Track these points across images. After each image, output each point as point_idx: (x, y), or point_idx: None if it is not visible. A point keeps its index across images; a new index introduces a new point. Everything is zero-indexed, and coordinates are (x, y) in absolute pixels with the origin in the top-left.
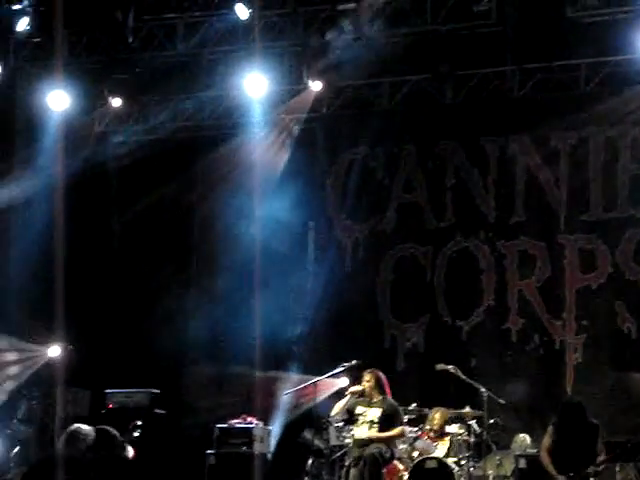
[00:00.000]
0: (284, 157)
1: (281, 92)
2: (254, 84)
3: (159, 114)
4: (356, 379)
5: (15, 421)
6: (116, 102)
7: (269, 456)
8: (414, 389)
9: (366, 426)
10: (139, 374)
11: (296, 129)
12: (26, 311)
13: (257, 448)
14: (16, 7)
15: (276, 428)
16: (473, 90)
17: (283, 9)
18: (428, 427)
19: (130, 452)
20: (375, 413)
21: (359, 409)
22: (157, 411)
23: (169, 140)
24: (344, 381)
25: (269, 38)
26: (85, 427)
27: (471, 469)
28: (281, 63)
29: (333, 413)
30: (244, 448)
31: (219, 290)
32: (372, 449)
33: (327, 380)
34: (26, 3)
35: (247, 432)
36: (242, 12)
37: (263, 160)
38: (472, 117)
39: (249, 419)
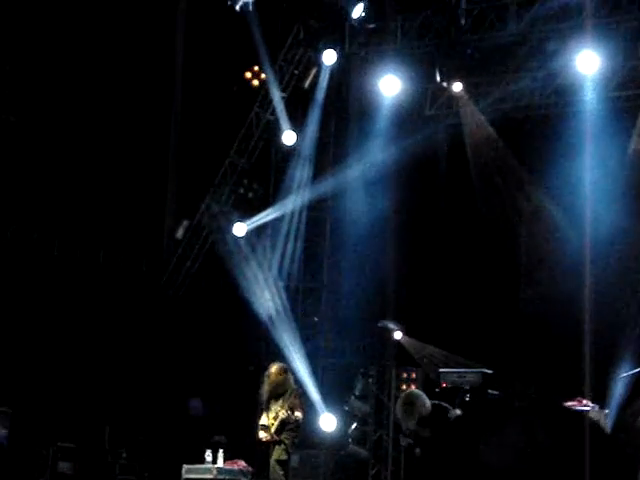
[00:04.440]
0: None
1: (615, 69)
2: (586, 61)
3: (490, 95)
4: None
5: (353, 398)
6: (456, 87)
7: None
8: None
9: None
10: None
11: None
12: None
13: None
14: None
15: (612, 411)
16: None
17: None
18: None
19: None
20: None
21: None
22: (490, 392)
23: (501, 121)
24: None
25: (602, 14)
26: (424, 396)
27: None
28: (615, 39)
29: None
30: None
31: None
32: None
33: None
34: None
35: (582, 415)
36: None
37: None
38: None
39: (585, 401)
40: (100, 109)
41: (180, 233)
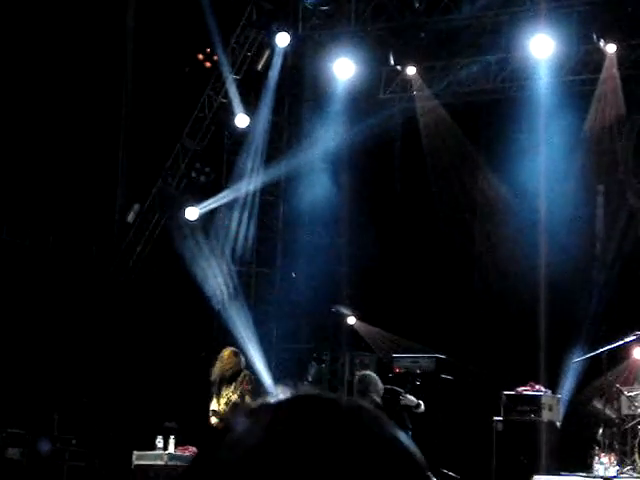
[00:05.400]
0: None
1: (569, 53)
2: (540, 45)
3: (444, 78)
4: None
5: (306, 383)
6: (410, 70)
7: (558, 424)
8: None
9: None
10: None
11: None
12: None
13: (545, 416)
14: None
15: (565, 396)
16: None
17: None
18: None
19: (421, 406)
20: None
21: None
22: (444, 376)
23: (455, 104)
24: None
25: None
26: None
27: None
28: (569, 23)
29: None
30: (532, 416)
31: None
32: None
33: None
34: None
35: (535, 400)
36: None
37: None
38: None
39: (537, 387)
40: (49, 90)
41: (131, 217)
